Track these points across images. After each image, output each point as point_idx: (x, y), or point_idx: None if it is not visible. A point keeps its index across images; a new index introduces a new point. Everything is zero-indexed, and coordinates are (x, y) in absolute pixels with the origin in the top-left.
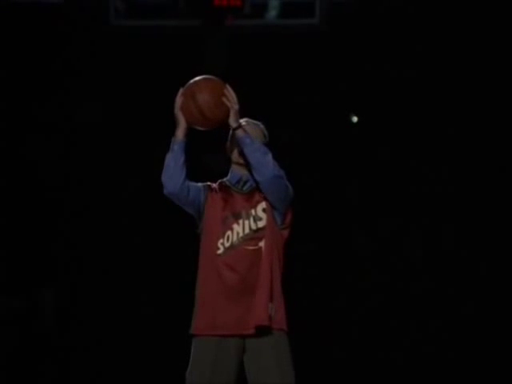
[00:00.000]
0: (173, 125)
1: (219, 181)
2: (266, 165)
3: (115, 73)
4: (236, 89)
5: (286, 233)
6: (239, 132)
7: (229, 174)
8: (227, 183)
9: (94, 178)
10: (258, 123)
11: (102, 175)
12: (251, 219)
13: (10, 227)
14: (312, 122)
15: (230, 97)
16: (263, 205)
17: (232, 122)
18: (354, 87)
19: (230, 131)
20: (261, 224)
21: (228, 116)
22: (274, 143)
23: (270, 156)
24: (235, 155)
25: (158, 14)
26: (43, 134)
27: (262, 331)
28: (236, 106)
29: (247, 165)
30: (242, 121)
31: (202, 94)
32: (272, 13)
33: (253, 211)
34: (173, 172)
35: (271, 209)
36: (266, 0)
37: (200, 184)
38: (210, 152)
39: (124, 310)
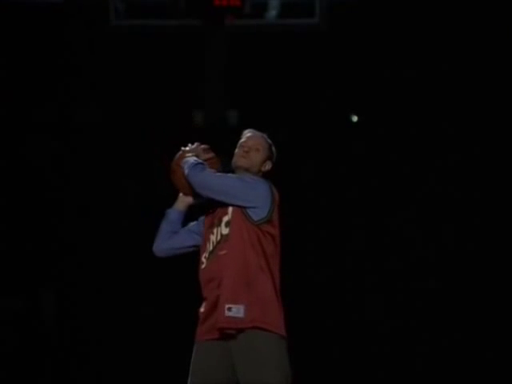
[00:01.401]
0: (173, 124)
1: None
2: (190, 179)
3: (115, 72)
4: (236, 88)
5: (268, 227)
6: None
7: None
8: None
9: (94, 179)
10: (264, 135)
11: (103, 176)
12: (223, 225)
13: (10, 227)
14: (312, 121)
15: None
16: (231, 207)
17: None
18: (353, 87)
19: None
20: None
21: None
22: (273, 143)
23: (192, 170)
24: (235, 160)
25: (158, 14)
26: (43, 134)
27: (237, 332)
28: (183, 152)
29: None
30: (246, 131)
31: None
32: (272, 12)
33: (226, 217)
34: (159, 238)
35: (238, 207)
36: (266, 0)
37: (198, 221)
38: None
39: (124, 310)
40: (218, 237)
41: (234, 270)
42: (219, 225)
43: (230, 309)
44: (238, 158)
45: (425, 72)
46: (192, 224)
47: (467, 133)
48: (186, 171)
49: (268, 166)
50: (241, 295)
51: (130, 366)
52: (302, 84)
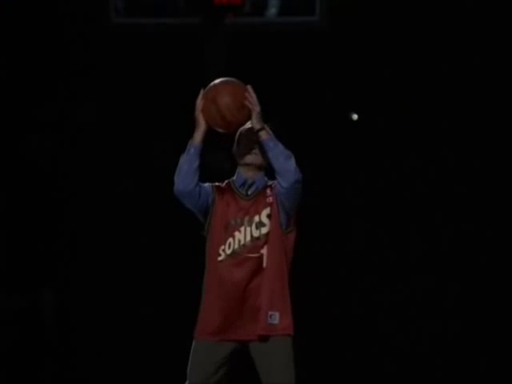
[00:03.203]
0: (173, 123)
1: (226, 181)
2: (289, 170)
3: (115, 71)
4: None
5: (292, 236)
6: (263, 134)
7: (235, 175)
8: (233, 185)
9: (94, 178)
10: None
11: (103, 175)
12: (253, 226)
13: (9, 227)
14: (312, 120)
15: (252, 99)
16: (268, 210)
17: (255, 124)
18: (354, 85)
19: (237, 133)
20: (264, 230)
21: (249, 118)
22: None
23: (293, 160)
24: (242, 157)
25: (157, 12)
26: (43, 134)
27: (266, 338)
28: (257, 108)
29: (271, 169)
30: (247, 124)
31: (222, 97)
32: (272, 11)
33: (257, 217)
34: (185, 175)
35: (277, 214)
36: None
37: (208, 185)
38: (209, 150)
39: (124, 309)
40: (248, 237)
41: (273, 277)
42: (249, 224)
43: (271, 316)
44: (248, 156)
45: (425, 71)
46: (204, 189)
47: (467, 133)
48: (291, 168)
49: None
50: (278, 302)
51: (130, 366)
52: (302, 83)
